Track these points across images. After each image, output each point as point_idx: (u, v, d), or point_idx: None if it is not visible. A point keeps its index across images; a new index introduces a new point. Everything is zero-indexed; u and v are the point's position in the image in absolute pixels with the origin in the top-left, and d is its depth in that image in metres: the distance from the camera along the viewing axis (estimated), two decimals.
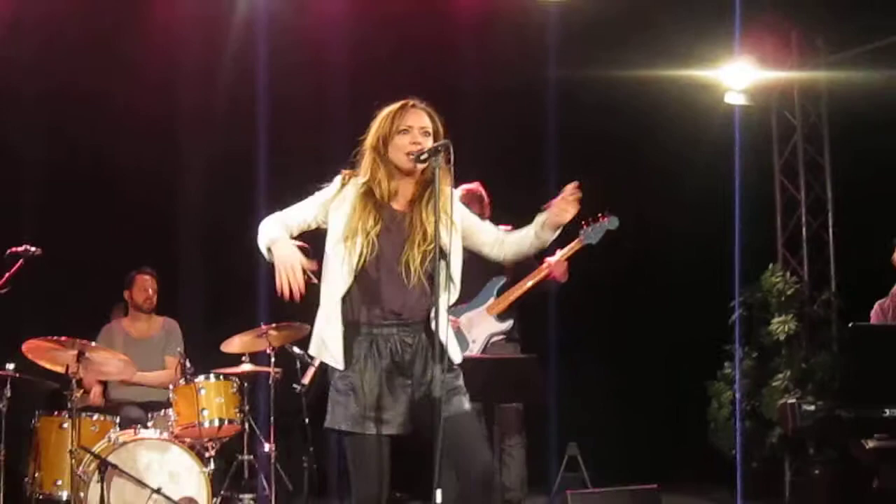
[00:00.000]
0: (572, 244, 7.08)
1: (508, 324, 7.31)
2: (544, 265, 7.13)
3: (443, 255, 4.35)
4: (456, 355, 4.50)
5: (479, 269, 7.24)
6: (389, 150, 4.47)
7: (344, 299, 4.41)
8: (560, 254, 7.11)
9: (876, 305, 6.90)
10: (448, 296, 4.41)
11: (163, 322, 7.99)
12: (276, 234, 4.45)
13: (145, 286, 7.89)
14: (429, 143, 4.45)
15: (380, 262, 4.41)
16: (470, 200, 7.03)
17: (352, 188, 4.51)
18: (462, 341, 7.23)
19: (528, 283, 7.16)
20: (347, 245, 4.40)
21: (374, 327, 4.42)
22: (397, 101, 4.57)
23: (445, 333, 4.30)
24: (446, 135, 4.51)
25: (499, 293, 7.28)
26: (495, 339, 7.23)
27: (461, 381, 4.45)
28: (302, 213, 4.54)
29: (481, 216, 7.15)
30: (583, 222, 7.07)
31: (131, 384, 7.53)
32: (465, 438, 4.38)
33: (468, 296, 7.26)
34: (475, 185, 7.37)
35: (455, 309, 7.28)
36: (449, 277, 4.39)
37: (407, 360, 4.41)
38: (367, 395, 4.38)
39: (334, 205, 4.50)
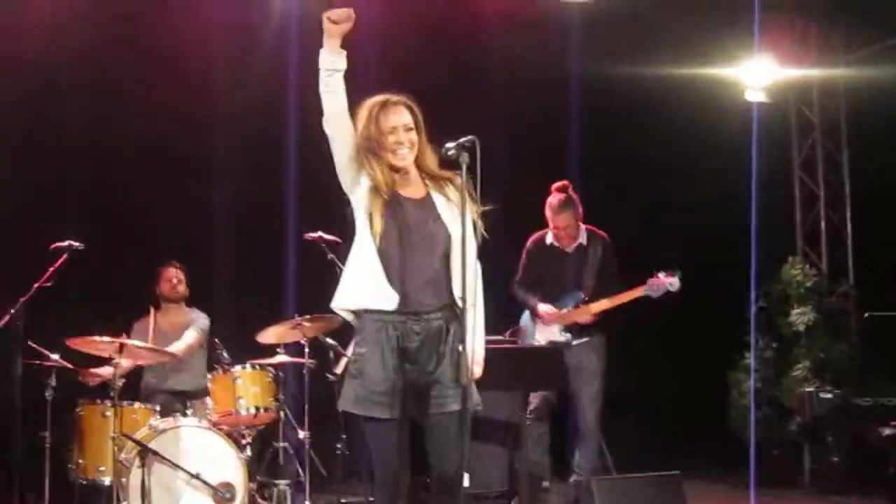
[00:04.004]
0: (633, 291, 7.30)
1: (567, 337, 7.39)
2: (613, 299, 7.30)
3: (462, 248, 4.46)
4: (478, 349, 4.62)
5: (566, 276, 7.41)
6: (380, 151, 4.58)
7: None
8: (616, 298, 7.30)
9: None
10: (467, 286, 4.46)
11: (190, 312, 8.08)
12: None
13: (170, 277, 8.02)
14: (412, 137, 4.60)
15: (391, 252, 4.54)
16: None
17: (365, 180, 4.61)
18: (531, 337, 7.44)
19: (594, 310, 7.32)
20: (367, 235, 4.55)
21: (384, 322, 4.55)
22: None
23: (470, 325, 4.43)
24: (427, 122, 4.65)
25: (574, 306, 7.44)
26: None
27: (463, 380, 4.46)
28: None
29: None
30: (654, 273, 7.27)
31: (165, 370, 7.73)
32: (441, 439, 4.55)
33: (552, 298, 7.44)
34: None
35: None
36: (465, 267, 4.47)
37: (413, 347, 4.54)
38: (373, 378, 4.52)
39: (358, 177, 4.62)
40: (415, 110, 4.65)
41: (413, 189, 4.66)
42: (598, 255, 7.47)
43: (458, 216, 4.52)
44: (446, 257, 4.57)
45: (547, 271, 7.48)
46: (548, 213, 7.46)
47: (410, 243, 4.55)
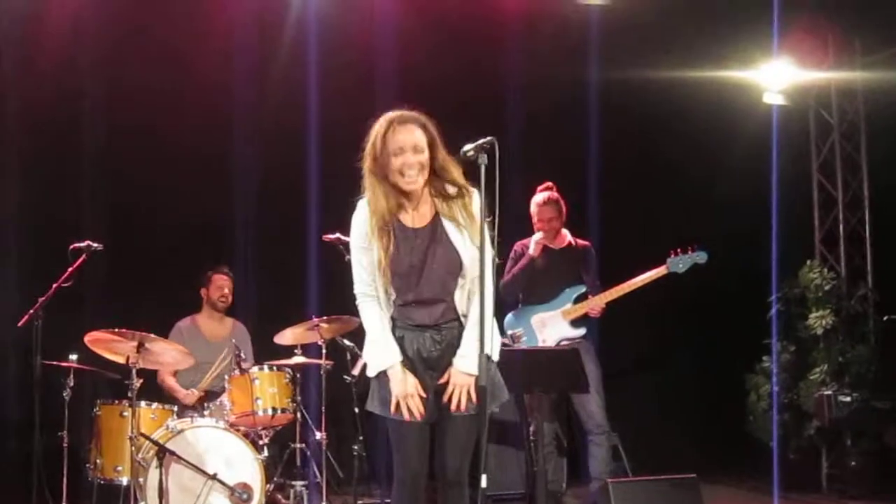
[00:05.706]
0: (656, 270, 7.36)
1: (581, 331, 7.46)
2: (630, 282, 7.35)
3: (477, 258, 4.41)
4: (494, 352, 4.57)
5: (559, 273, 7.47)
6: (387, 173, 4.48)
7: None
8: (641, 278, 7.34)
9: None
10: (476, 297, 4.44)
11: (233, 325, 8.12)
12: (388, 356, 4.53)
13: (221, 285, 8.06)
14: (421, 158, 4.45)
15: (402, 276, 4.52)
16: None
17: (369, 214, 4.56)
18: (532, 339, 7.43)
19: (608, 297, 7.37)
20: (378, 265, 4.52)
21: (405, 329, 4.59)
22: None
23: (489, 330, 4.36)
24: (442, 137, 4.52)
25: (576, 301, 7.46)
26: (564, 343, 7.37)
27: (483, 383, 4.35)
28: (368, 271, 4.55)
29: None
30: (671, 251, 7.33)
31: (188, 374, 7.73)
32: (449, 440, 4.59)
33: (546, 297, 7.50)
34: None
35: (529, 307, 7.53)
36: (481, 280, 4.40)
37: (435, 356, 4.58)
38: None
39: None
40: (428, 127, 4.51)
41: (419, 215, 4.59)
42: (585, 257, 7.64)
43: (467, 238, 4.48)
44: (461, 277, 4.55)
45: (537, 269, 7.52)
46: (533, 208, 7.66)
47: (420, 272, 4.53)
